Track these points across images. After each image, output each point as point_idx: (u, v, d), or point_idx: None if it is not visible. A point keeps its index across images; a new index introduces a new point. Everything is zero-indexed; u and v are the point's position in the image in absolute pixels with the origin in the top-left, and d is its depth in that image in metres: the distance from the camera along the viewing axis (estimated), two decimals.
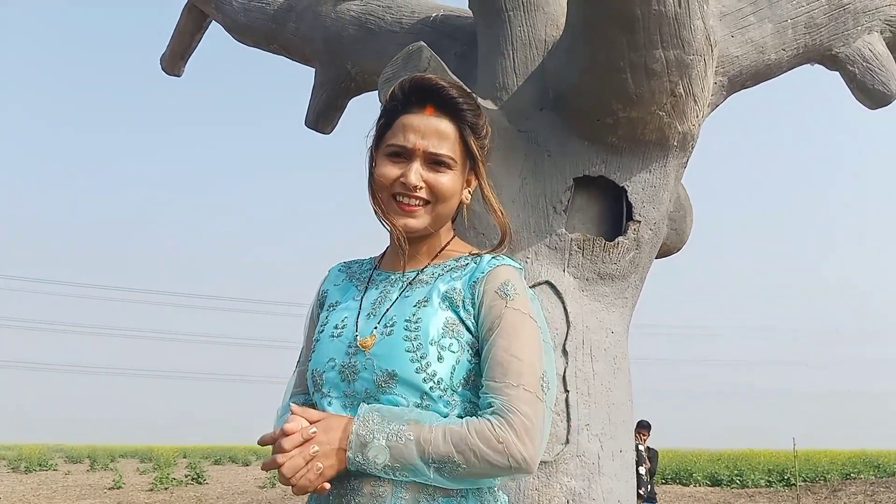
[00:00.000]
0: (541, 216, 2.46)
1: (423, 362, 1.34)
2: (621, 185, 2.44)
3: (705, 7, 2.11)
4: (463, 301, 1.40)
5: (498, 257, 1.46)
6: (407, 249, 1.48)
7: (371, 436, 1.28)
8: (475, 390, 1.39)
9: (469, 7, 2.74)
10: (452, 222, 1.57)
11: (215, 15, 4.10)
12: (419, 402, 1.34)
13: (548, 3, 2.54)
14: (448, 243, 1.54)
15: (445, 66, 2.40)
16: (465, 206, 1.54)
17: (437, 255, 1.51)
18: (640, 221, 2.46)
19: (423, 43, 2.42)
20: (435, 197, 1.45)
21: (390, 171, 1.45)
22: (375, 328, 1.41)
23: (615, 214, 2.51)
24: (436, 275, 1.47)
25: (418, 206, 1.45)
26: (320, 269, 1.68)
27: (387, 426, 1.29)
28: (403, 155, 1.45)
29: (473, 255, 1.49)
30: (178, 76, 4.66)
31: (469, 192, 1.53)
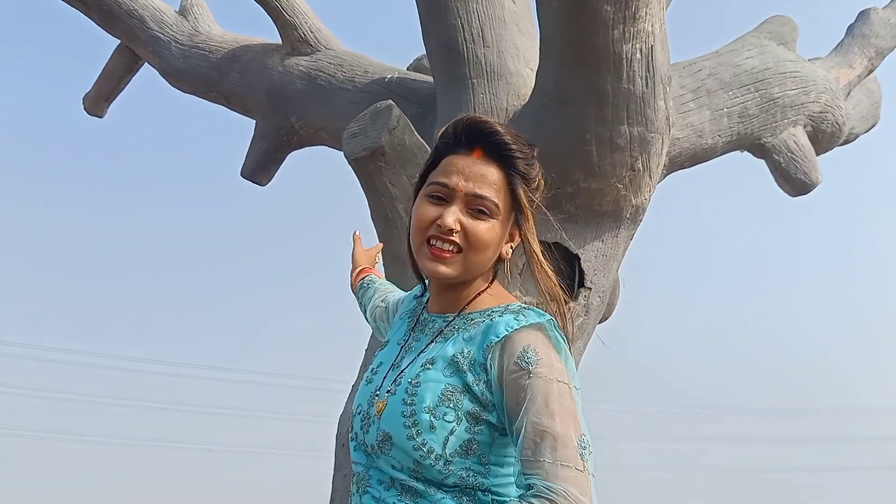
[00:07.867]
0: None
1: (415, 430, 1.29)
2: (575, 252, 2.53)
3: (668, 89, 2.26)
4: (472, 365, 1.31)
5: (520, 316, 1.32)
6: (439, 295, 1.43)
7: None
8: (479, 459, 1.32)
9: (431, 71, 2.81)
10: (494, 277, 1.48)
11: (151, 59, 4.02)
12: (413, 467, 1.30)
13: (511, 74, 2.65)
14: (481, 292, 1.42)
15: (412, 127, 2.45)
16: (506, 262, 1.45)
17: (466, 306, 1.41)
18: (591, 289, 2.55)
19: (391, 102, 2.47)
20: (469, 245, 1.34)
21: (428, 211, 1.36)
22: (392, 386, 1.37)
23: (567, 281, 2.58)
24: (456, 329, 1.38)
25: (451, 252, 1.34)
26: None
27: None
28: (445, 197, 1.36)
29: (493, 312, 1.37)
30: (100, 118, 4.56)
31: (511, 247, 1.43)
